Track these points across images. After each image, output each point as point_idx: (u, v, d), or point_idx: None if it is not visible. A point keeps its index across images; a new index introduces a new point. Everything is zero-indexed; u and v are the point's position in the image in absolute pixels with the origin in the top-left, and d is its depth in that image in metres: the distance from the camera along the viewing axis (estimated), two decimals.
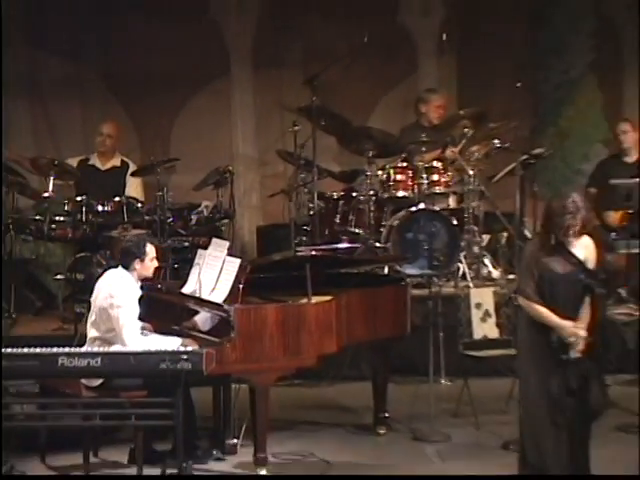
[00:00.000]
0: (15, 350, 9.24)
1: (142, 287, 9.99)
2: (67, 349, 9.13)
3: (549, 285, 8.54)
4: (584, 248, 8.53)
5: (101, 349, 9.46)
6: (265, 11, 14.59)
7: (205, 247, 10.25)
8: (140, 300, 9.88)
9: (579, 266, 8.49)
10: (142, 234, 10.66)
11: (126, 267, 9.71)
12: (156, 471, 9.57)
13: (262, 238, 13.68)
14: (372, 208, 12.52)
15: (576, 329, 8.40)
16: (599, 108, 13.93)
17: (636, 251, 12.26)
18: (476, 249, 12.42)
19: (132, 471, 9.74)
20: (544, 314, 8.54)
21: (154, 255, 9.89)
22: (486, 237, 12.62)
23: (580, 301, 8.55)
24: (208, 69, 14.51)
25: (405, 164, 12.62)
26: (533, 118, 13.63)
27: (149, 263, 9.73)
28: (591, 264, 8.58)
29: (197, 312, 9.92)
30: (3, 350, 9.27)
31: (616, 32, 14.37)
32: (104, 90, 14.36)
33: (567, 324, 8.45)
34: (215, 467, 9.85)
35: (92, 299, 9.86)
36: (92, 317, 9.71)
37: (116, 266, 9.86)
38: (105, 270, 10.17)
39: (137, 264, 9.64)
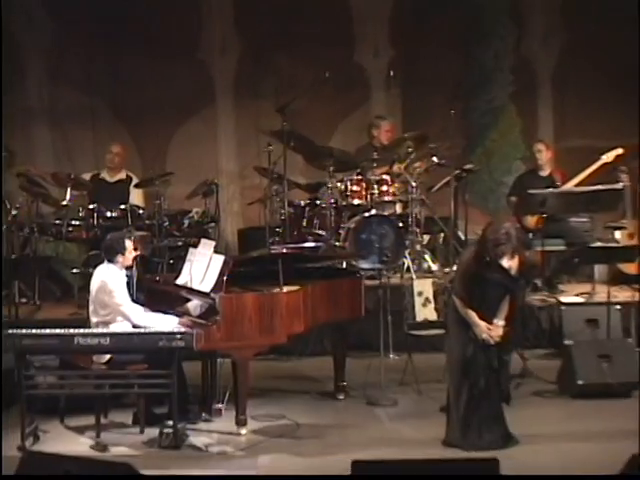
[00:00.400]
0: (39, 331, 9.53)
1: (127, 275, 10.01)
2: (82, 330, 9.49)
3: (479, 288, 8.99)
4: (511, 261, 8.86)
5: (109, 330, 9.54)
6: (244, 51, 14.68)
7: (195, 246, 10.35)
8: (140, 290, 10.20)
9: (505, 275, 8.86)
10: (122, 233, 10.57)
11: (110, 261, 9.78)
12: (155, 431, 9.47)
13: (242, 239, 13.74)
14: (332, 214, 12.61)
15: (488, 331, 8.85)
16: (518, 132, 14.01)
17: (549, 249, 12.38)
18: (418, 247, 12.59)
19: (135, 430, 9.71)
20: (468, 313, 8.99)
21: (132, 248, 9.95)
22: (426, 237, 12.86)
23: (502, 300, 8.97)
24: (197, 99, 14.70)
25: (360, 177, 12.76)
26: (464, 139, 13.64)
27: (129, 255, 9.87)
28: (514, 272, 8.89)
29: (189, 300, 9.92)
30: (29, 331, 9.51)
31: (532, 68, 14.40)
32: (112, 117, 14.51)
33: (482, 326, 8.93)
34: (203, 427, 9.88)
35: (90, 292, 9.89)
36: (91, 307, 9.88)
37: (102, 262, 9.92)
38: (95, 267, 10.14)
39: (119, 257, 9.78)
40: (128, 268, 10.08)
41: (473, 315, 9.00)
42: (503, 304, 9.00)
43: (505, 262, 8.88)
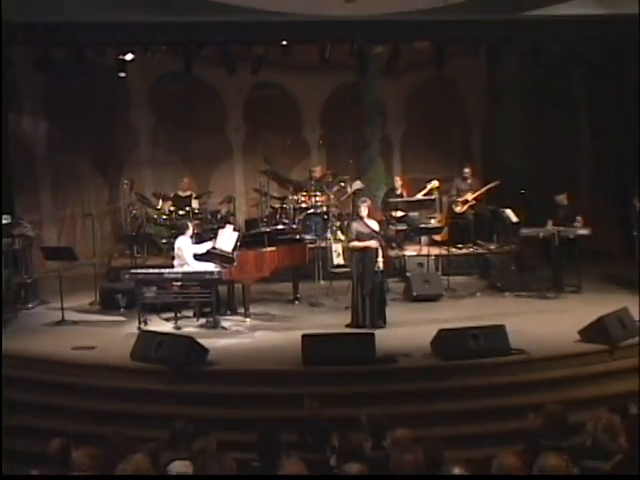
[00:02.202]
0: (145, 270, 9.89)
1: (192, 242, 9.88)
2: (167, 270, 9.76)
3: (359, 235, 9.26)
4: (373, 223, 9.32)
5: (181, 269, 9.65)
6: (248, 130, 14.43)
7: (223, 227, 10.31)
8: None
9: (372, 229, 9.31)
10: (190, 221, 10.56)
11: (182, 234, 9.85)
12: (204, 320, 9.60)
13: (247, 224, 13.38)
14: (292, 212, 12.61)
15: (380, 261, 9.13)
16: (383, 170, 13.69)
17: (400, 228, 12.55)
18: (334, 228, 12.48)
19: (194, 320, 9.67)
20: (357, 244, 9.29)
21: (192, 228, 10.00)
22: (338, 223, 12.61)
23: (371, 239, 9.21)
24: (224, 155, 14.45)
25: (305, 193, 12.76)
26: (357, 174, 13.23)
27: (190, 231, 9.84)
28: (376, 228, 9.34)
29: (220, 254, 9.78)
30: (141, 270, 9.76)
31: (390, 139, 14.34)
32: (182, 164, 14.19)
33: (371, 243, 9.24)
34: (228, 318, 9.86)
35: (174, 250, 9.92)
36: (175, 260, 9.84)
37: (178, 236, 9.97)
38: (177, 237, 10.05)
39: (187, 232, 9.83)
40: (191, 237, 9.99)
41: (360, 244, 9.24)
42: (372, 241, 9.17)
43: (370, 222, 9.29)
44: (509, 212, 11.59)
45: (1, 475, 4.72)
